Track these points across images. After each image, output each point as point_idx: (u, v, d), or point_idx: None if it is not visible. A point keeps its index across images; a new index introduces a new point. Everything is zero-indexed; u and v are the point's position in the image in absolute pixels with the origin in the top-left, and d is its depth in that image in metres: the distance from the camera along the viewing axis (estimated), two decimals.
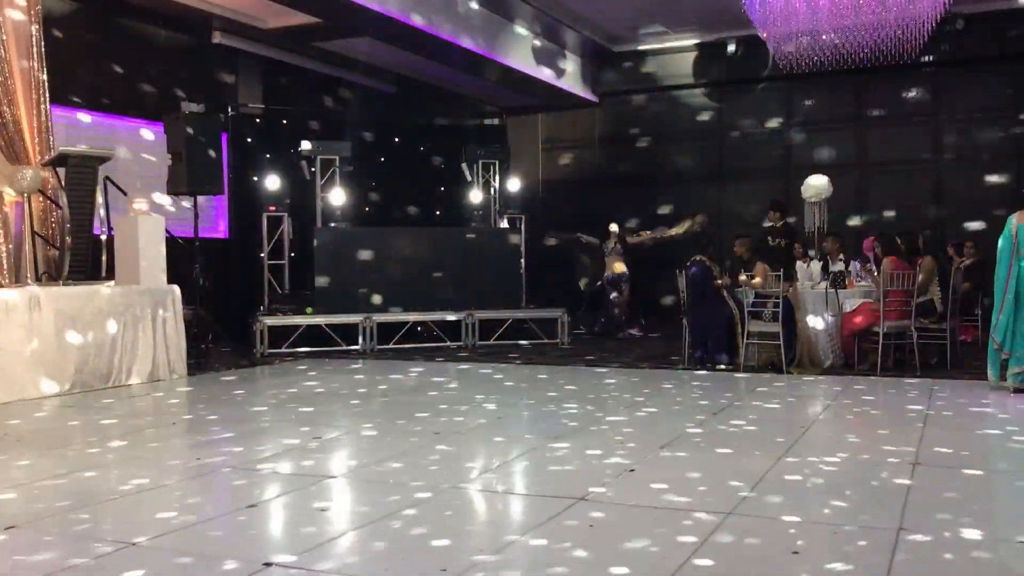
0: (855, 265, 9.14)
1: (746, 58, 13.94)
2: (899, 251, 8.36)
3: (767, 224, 10.39)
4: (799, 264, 9.07)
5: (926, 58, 10.69)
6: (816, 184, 9.89)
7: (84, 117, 10.18)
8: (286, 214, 11.42)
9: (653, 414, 6.02)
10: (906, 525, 3.45)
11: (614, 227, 12.41)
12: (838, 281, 8.41)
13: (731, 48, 14.21)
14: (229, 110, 12.07)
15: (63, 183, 8.57)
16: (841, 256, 9.32)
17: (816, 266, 8.98)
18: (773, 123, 14.68)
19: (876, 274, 8.40)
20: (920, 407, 6.22)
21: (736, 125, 14.89)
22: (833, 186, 9.99)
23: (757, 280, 8.54)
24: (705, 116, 15.14)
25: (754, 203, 13.40)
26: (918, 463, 4.52)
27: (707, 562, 3.06)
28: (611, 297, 12.22)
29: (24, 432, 5.61)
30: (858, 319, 8.29)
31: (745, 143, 14.82)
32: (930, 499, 3.86)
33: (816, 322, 8.40)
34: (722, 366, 8.43)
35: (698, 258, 8.90)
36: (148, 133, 10.70)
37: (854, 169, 13.83)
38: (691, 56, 14.77)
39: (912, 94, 13.63)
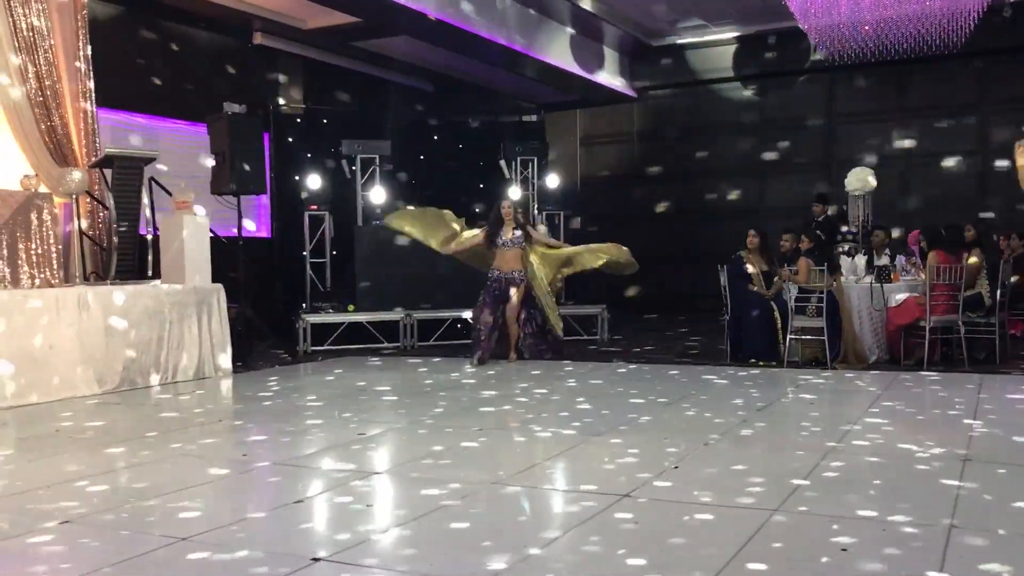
0: (900, 259, 9.01)
1: (786, 50, 13.81)
2: (945, 244, 8.23)
3: (819, 218, 10.27)
4: (844, 258, 8.96)
5: (972, 48, 10.47)
6: (860, 177, 9.77)
7: (128, 119, 10.34)
8: (327, 213, 11.51)
9: (696, 410, 5.99)
10: (957, 522, 3.40)
11: (508, 205, 9.05)
12: (883, 275, 8.30)
13: (771, 40, 14.09)
14: (270, 110, 12.19)
15: (109, 184, 8.73)
16: (887, 250, 9.19)
17: (861, 260, 8.87)
18: (815, 116, 14.52)
19: (922, 267, 8.27)
20: (968, 403, 6.11)
21: (777, 118, 14.75)
22: (877, 179, 9.86)
23: (800, 275, 8.45)
24: (745, 110, 15.01)
25: (796, 197, 13.29)
26: (968, 459, 4.44)
27: (755, 559, 3.04)
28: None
29: (75, 429, 5.72)
30: (904, 313, 8.18)
31: (786, 136, 14.67)
32: (981, 496, 3.80)
33: (861, 317, 8.30)
34: (763, 362, 8.36)
35: (739, 254, 8.83)
36: (192, 134, 10.83)
37: (898, 161, 13.64)
38: (731, 49, 14.67)
39: (957, 85, 13.41)
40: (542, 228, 11.03)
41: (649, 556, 3.08)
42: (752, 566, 2.98)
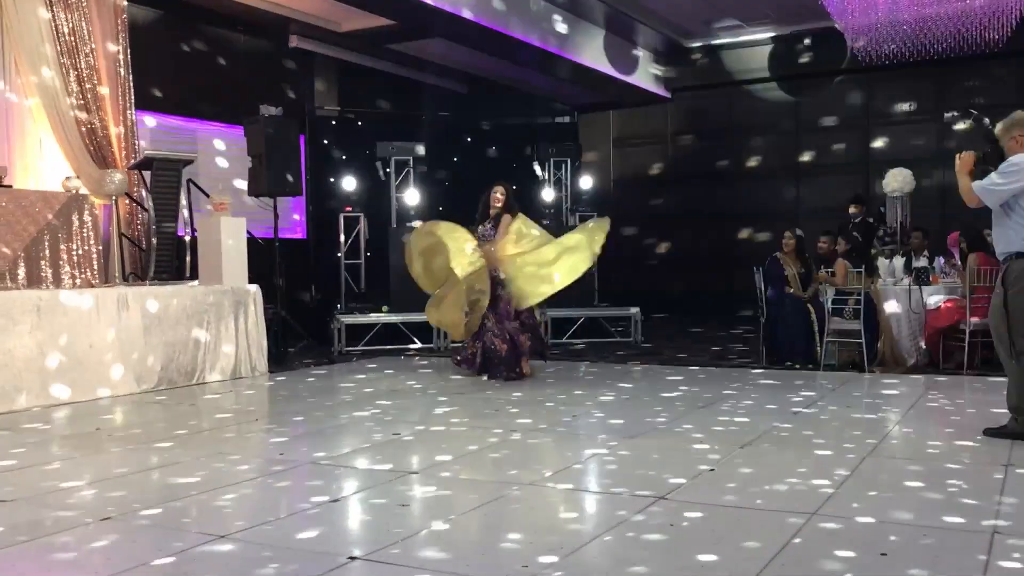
0: (940, 261, 8.89)
1: (823, 51, 13.68)
2: (986, 246, 8.09)
3: (856, 220, 10.16)
4: (881, 260, 8.86)
5: (1014, 48, 10.31)
6: (898, 178, 9.65)
7: (167, 121, 10.48)
8: (362, 214, 11.58)
9: (732, 413, 5.94)
10: (1000, 528, 3.35)
11: (502, 192, 8.05)
12: (922, 277, 8.19)
13: (807, 41, 13.96)
14: (306, 112, 12.30)
15: (148, 186, 8.85)
16: (925, 251, 9.07)
17: (899, 262, 8.76)
18: (852, 116, 14.37)
19: (962, 270, 8.15)
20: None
21: (813, 119, 14.62)
22: (916, 179, 9.74)
23: (837, 277, 8.38)
24: (781, 111, 14.89)
25: (832, 198, 13.15)
26: (1010, 464, 4.37)
27: (793, 563, 3.01)
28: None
29: (114, 428, 5.80)
30: (944, 316, 8.06)
31: (823, 137, 14.54)
32: None
33: (899, 320, 8.20)
34: (799, 365, 8.28)
35: (775, 256, 8.77)
36: (228, 136, 10.96)
37: (937, 162, 13.45)
38: (766, 50, 14.56)
39: (998, 85, 13.20)
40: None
41: (686, 560, 3.06)
42: (790, 571, 2.95)
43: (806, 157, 14.63)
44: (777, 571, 2.94)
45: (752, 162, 14.98)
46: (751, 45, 14.59)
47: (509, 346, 7.73)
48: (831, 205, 12.66)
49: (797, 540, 3.24)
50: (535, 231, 8.04)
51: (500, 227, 7.83)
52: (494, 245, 7.79)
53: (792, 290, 8.59)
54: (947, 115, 13.33)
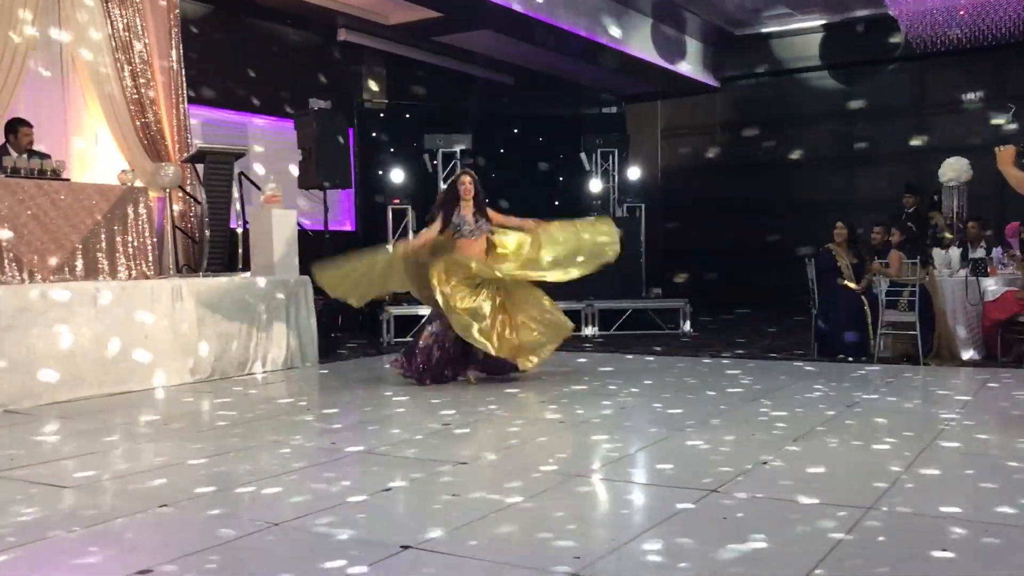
0: (997, 251, 8.69)
1: (876, 38, 13.43)
2: None
3: (910, 210, 9.98)
4: (937, 250, 8.69)
5: None
6: (955, 167, 9.45)
7: (217, 115, 10.63)
8: (409, 206, 11.64)
9: (783, 406, 5.87)
10: None
11: (470, 180, 7.15)
12: (979, 268, 8.01)
13: (859, 28, 13.72)
14: (355, 105, 12.38)
15: (201, 179, 8.99)
16: (983, 242, 8.88)
17: (955, 252, 8.58)
18: (906, 104, 14.10)
19: (1021, 260, 7.97)
20: None
21: (866, 108, 14.37)
22: (972, 169, 9.53)
23: (891, 268, 8.23)
24: (832, 99, 14.66)
25: (885, 188, 12.93)
26: None
27: (851, 558, 2.97)
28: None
29: (169, 417, 5.91)
30: (1002, 308, 7.88)
31: (876, 126, 14.29)
32: None
33: (955, 312, 8.03)
34: (851, 358, 8.16)
35: (827, 247, 8.64)
36: (278, 129, 11.08)
37: (994, 150, 13.15)
38: (817, 37, 14.35)
39: None
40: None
41: (736, 553, 3.04)
42: (849, 563, 2.91)
43: (858, 146, 14.39)
44: (835, 565, 2.90)
45: (803, 152, 14.78)
46: (802, 33, 14.39)
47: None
48: (884, 195, 12.45)
49: (852, 535, 3.19)
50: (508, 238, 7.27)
51: (498, 216, 7.21)
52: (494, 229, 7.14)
53: (845, 282, 8.46)
54: (1002, 116, 12.99)
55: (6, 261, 6.64)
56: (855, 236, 8.69)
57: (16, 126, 7.50)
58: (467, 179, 7.07)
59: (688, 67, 14.39)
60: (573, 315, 10.77)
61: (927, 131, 13.91)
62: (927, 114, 13.97)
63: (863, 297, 8.29)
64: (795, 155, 14.81)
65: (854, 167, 14.45)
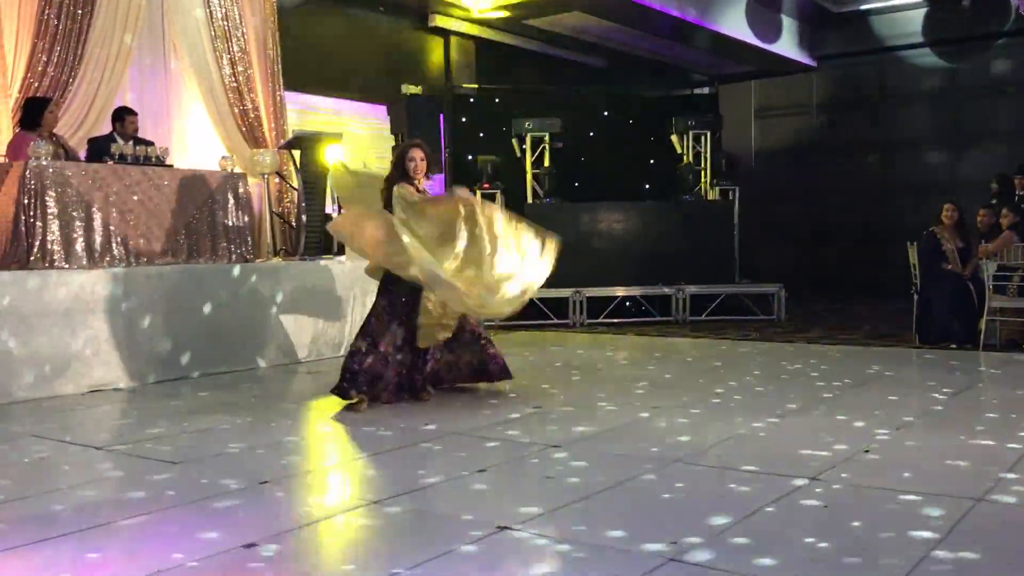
0: None
1: (984, 12, 12.86)
2: None
3: (1021, 192, 9.56)
4: None
5: None
6: None
7: (312, 101, 10.83)
8: (499, 191, 11.65)
9: (885, 394, 5.70)
10: None
11: (422, 156, 5.80)
12: None
13: (965, 2, 13.15)
14: (445, 90, 12.46)
15: (297, 165, 9.17)
16: None
17: None
18: (1015, 82, 13.48)
19: None
20: None
21: (972, 86, 13.79)
22: None
23: (994, 244, 7.86)
24: (936, 77, 14.12)
25: (992, 170, 12.40)
26: None
27: (958, 550, 2.86)
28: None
29: (267, 397, 6.06)
30: None
31: (982, 105, 13.70)
32: None
33: None
34: (955, 345, 7.86)
35: (932, 230, 8.33)
36: (371, 115, 11.23)
37: None
38: (920, 13, 13.81)
39: None
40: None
41: (837, 541, 2.96)
42: (962, 554, 2.81)
43: (964, 126, 13.83)
44: (943, 555, 2.80)
45: (904, 132, 14.27)
46: (903, 9, 13.88)
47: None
48: (991, 177, 11.94)
49: (961, 525, 3.08)
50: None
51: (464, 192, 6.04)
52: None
53: (951, 266, 8.14)
54: None
55: (114, 244, 6.89)
56: (963, 219, 8.35)
57: (123, 114, 7.76)
58: (419, 154, 5.71)
59: (783, 46, 14.03)
60: (664, 301, 10.74)
61: None
62: None
63: (969, 283, 7.98)
64: (896, 135, 14.32)
65: (960, 147, 13.90)
